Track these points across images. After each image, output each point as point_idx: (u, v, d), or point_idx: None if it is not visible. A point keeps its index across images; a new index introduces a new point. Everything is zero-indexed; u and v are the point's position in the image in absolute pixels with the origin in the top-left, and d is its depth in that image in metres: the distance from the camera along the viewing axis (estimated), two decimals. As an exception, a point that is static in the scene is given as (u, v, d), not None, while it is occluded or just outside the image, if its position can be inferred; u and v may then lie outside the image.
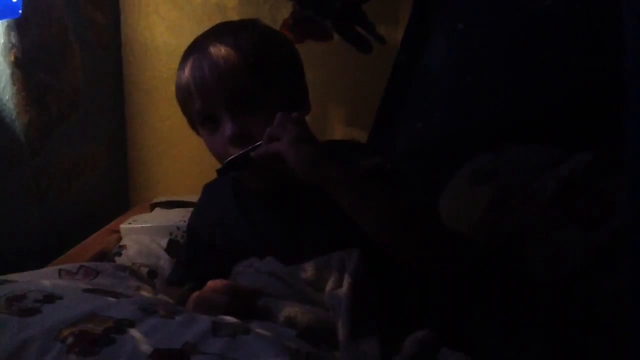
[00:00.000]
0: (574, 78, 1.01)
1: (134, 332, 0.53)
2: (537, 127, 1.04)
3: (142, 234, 1.20)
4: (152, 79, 1.59)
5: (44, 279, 0.68)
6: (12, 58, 1.02)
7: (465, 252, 0.76)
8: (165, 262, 1.09)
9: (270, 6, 1.53)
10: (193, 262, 0.91)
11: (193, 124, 0.84)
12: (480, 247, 0.88)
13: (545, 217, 0.82)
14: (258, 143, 0.73)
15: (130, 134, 1.64)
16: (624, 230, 0.47)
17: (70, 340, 0.52)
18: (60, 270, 0.73)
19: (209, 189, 0.95)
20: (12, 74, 1.02)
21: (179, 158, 1.63)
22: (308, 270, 0.72)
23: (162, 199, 1.49)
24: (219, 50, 0.77)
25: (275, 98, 0.77)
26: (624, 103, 0.45)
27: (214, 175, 0.96)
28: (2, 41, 1.00)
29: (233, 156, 0.75)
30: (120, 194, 1.63)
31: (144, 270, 1.01)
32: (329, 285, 0.69)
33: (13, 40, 1.02)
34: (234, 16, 1.52)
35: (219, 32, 0.81)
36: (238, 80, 0.75)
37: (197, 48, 0.80)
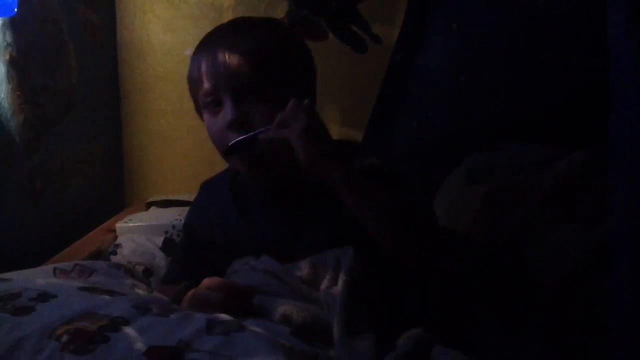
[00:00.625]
0: (569, 77, 1.01)
1: (129, 330, 0.53)
2: (533, 126, 1.04)
3: (138, 232, 1.20)
4: (148, 78, 1.59)
5: (39, 277, 0.68)
6: (7, 57, 1.02)
7: (462, 252, 0.76)
8: (160, 261, 1.09)
9: (266, 5, 1.53)
10: (189, 260, 0.91)
11: (198, 108, 0.85)
12: (477, 247, 0.88)
13: (542, 215, 0.83)
14: (267, 127, 0.73)
15: (126, 134, 1.64)
16: (612, 232, 0.48)
17: (64, 338, 0.52)
18: (55, 268, 0.73)
19: (207, 187, 0.95)
20: (7, 73, 1.02)
21: (174, 157, 1.63)
22: (303, 268, 0.72)
23: (158, 197, 1.49)
24: (233, 39, 0.79)
25: (280, 92, 0.77)
26: (608, 103, 0.46)
27: (209, 175, 0.96)
28: (-3, 40, 1.00)
29: (242, 137, 0.75)
30: (115, 193, 1.63)
31: (140, 268, 1.01)
32: (325, 283, 0.69)
33: (8, 39, 1.02)
34: (229, 15, 1.52)
35: (239, 24, 0.84)
36: (245, 68, 0.76)
37: (214, 36, 0.82)
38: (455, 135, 1.18)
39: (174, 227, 1.20)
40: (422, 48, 1.25)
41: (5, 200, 1.01)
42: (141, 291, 0.73)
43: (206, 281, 0.70)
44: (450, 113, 1.20)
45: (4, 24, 1.00)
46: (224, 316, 0.61)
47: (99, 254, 1.13)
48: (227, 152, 0.78)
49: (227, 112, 0.77)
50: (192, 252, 0.91)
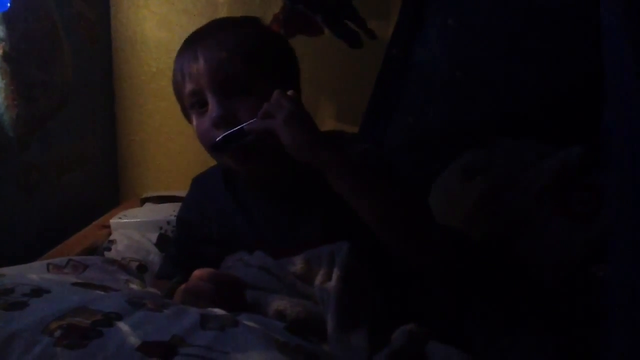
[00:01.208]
0: (565, 73, 1.01)
1: (122, 325, 0.53)
2: (528, 122, 1.04)
3: (132, 228, 1.20)
4: (142, 73, 1.58)
5: (32, 273, 0.68)
6: (0, 52, 1.01)
7: (454, 246, 0.76)
8: (155, 257, 1.09)
9: (261, 1, 1.52)
10: (182, 255, 0.91)
11: (185, 111, 0.85)
12: (471, 242, 0.88)
13: (538, 210, 0.83)
14: (252, 120, 0.73)
15: (120, 129, 1.63)
16: (608, 229, 0.48)
17: (58, 333, 0.52)
18: (48, 264, 0.73)
19: (199, 182, 0.95)
20: (0, 68, 1.01)
21: (169, 153, 1.62)
22: (297, 263, 0.72)
23: (152, 193, 1.48)
24: (213, 39, 0.79)
25: (263, 88, 0.77)
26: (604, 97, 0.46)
27: (203, 170, 0.96)
28: (-10, 34, 0.99)
29: (228, 131, 0.75)
30: (110, 189, 1.63)
31: (134, 265, 1.01)
32: (319, 279, 0.69)
33: (1, 34, 1.01)
34: (224, 10, 1.52)
35: (216, 24, 0.85)
36: (227, 66, 0.77)
37: (194, 37, 0.83)
38: (451, 131, 1.18)
39: (168, 223, 1.20)
40: (417, 43, 1.25)
41: (-2, 195, 1.01)
42: (135, 286, 0.74)
43: (197, 272, 0.71)
44: (445, 108, 1.20)
45: (-4, 19, 1.00)
46: (218, 311, 0.61)
47: (93, 250, 1.12)
48: (213, 149, 0.78)
49: (211, 110, 0.77)
50: (185, 247, 0.91)
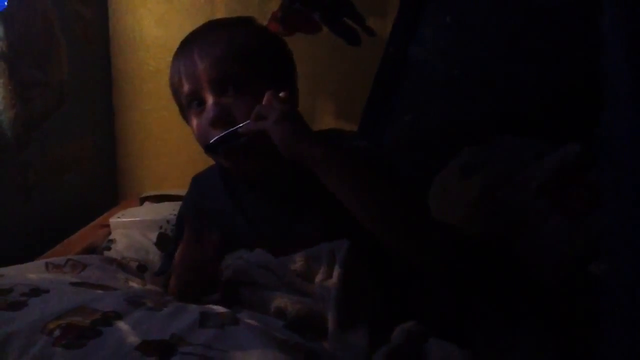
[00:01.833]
0: (563, 71, 1.01)
1: (121, 324, 0.53)
2: (527, 121, 1.04)
3: (132, 228, 1.20)
4: (140, 72, 1.58)
5: (31, 272, 0.68)
6: (-3, 51, 1.01)
7: (450, 243, 0.76)
8: (154, 256, 1.09)
9: (259, -2, 1.52)
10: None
11: (183, 111, 0.86)
12: (468, 240, 0.88)
13: (535, 208, 0.83)
14: (247, 122, 0.74)
15: (119, 128, 1.63)
16: (605, 227, 0.48)
17: (56, 333, 0.51)
18: (47, 263, 0.73)
19: (198, 181, 0.95)
20: (-2, 67, 1.01)
21: (168, 152, 1.62)
22: (297, 261, 0.72)
23: (152, 192, 1.48)
24: (209, 39, 0.80)
25: (260, 87, 0.77)
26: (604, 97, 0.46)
27: (203, 169, 0.96)
28: (-13, 34, 0.99)
29: (223, 133, 0.76)
30: (109, 188, 1.62)
31: (134, 264, 1.01)
32: (319, 277, 0.69)
33: (-1, 33, 1.01)
34: (222, 9, 1.51)
35: (212, 25, 0.86)
36: (223, 65, 0.77)
37: (191, 37, 0.84)
38: (449, 129, 1.17)
39: (168, 222, 1.19)
40: (415, 41, 1.25)
41: (-4, 195, 1.01)
42: (135, 284, 0.73)
43: (177, 257, 0.75)
44: (443, 107, 1.20)
45: (-6, 18, 1.00)
46: (218, 309, 0.61)
47: (93, 250, 1.12)
48: (208, 150, 0.78)
49: (208, 110, 0.78)
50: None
